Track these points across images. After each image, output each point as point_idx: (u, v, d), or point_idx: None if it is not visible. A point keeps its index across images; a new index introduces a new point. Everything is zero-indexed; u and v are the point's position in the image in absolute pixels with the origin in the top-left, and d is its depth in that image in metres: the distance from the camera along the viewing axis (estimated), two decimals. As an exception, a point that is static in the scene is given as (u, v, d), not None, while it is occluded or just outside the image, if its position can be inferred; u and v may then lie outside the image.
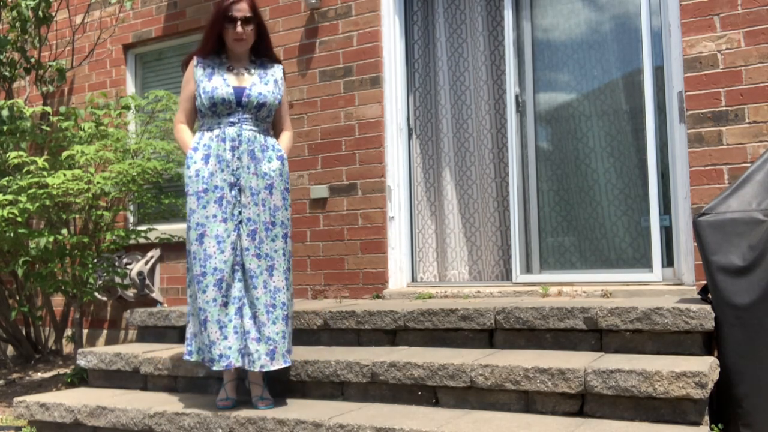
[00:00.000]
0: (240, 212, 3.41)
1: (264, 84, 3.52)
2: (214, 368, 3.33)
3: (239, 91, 3.46)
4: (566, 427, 2.88)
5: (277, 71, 3.60)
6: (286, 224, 3.49)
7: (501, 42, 5.01)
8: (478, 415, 3.12)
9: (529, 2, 4.94)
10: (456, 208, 5.15)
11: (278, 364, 3.36)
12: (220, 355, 3.31)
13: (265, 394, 3.46)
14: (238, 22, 3.44)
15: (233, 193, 3.41)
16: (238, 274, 3.38)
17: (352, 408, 3.32)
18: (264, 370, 3.33)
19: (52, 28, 6.62)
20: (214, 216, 3.37)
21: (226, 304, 3.35)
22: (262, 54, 3.60)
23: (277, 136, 3.64)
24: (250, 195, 3.42)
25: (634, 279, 4.42)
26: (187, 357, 3.51)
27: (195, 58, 3.54)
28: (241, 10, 3.45)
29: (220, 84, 3.45)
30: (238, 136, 3.44)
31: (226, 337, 3.33)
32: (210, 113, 3.48)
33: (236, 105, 3.45)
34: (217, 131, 3.46)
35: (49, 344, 6.18)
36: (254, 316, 3.37)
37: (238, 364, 3.34)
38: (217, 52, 3.56)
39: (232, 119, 3.46)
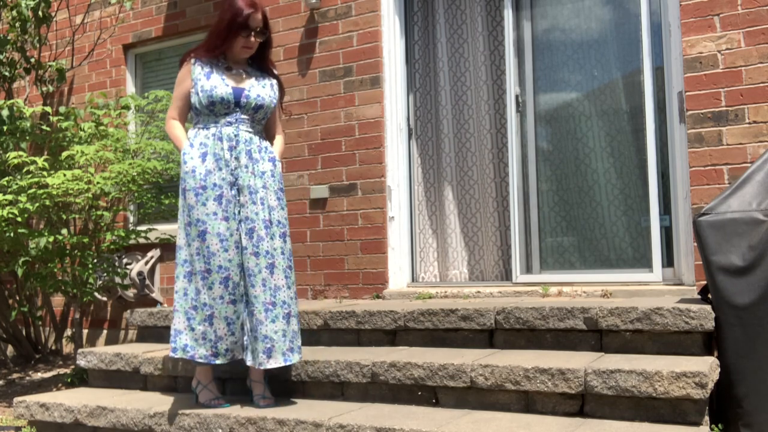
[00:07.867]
0: (239, 211, 3.43)
1: (262, 87, 3.55)
2: (218, 362, 3.41)
3: (238, 92, 3.47)
4: (566, 428, 2.88)
5: (273, 80, 3.64)
6: (284, 223, 3.50)
7: (501, 42, 5.01)
8: (478, 415, 3.12)
9: (529, 2, 4.94)
10: (456, 208, 5.15)
11: (276, 363, 3.36)
12: (226, 350, 3.40)
13: (266, 393, 3.47)
14: (252, 33, 3.47)
15: (233, 192, 3.43)
16: (242, 272, 3.41)
17: (352, 408, 3.32)
18: (261, 368, 3.36)
19: (52, 28, 6.61)
20: (215, 214, 3.37)
21: (234, 302, 3.38)
22: (258, 60, 3.62)
23: (270, 140, 3.66)
24: (249, 194, 3.43)
25: (634, 279, 4.42)
26: (172, 354, 3.45)
27: (193, 56, 3.54)
28: (257, 20, 3.47)
29: (219, 83, 3.46)
30: (236, 136, 3.46)
31: (233, 333, 3.40)
32: (207, 112, 3.48)
33: (234, 105, 3.47)
34: (213, 130, 3.47)
35: (49, 344, 6.18)
36: (251, 314, 3.39)
37: (240, 357, 3.45)
38: None
39: (229, 119, 3.47)
